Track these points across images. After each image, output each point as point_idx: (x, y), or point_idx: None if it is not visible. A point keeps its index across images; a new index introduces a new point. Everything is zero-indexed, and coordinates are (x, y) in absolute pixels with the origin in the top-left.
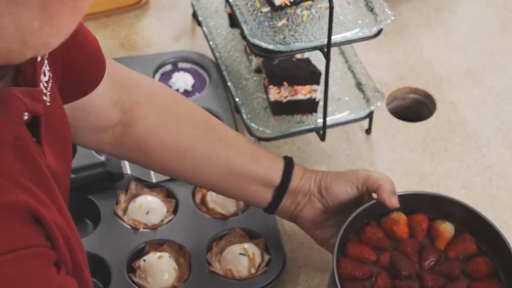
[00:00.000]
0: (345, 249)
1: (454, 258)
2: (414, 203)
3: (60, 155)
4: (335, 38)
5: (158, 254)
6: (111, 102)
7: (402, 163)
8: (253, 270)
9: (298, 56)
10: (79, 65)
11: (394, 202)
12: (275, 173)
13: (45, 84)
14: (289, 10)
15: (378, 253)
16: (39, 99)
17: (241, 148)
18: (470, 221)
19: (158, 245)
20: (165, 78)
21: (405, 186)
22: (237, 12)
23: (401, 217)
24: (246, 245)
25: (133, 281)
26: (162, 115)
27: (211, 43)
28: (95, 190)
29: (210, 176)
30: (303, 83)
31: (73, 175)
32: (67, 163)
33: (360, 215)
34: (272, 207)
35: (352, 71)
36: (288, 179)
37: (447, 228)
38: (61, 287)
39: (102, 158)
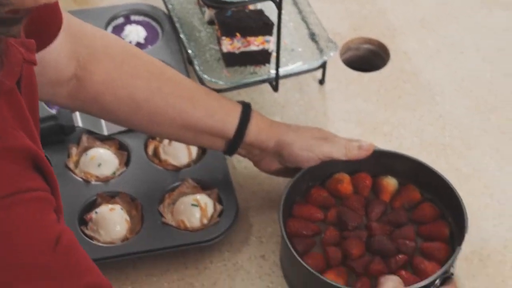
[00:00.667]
0: (292, 211)
1: (400, 208)
2: (359, 161)
3: (33, 108)
4: None
5: (110, 206)
6: (67, 55)
7: (356, 113)
8: (205, 221)
9: (251, 7)
10: (36, 18)
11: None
12: (230, 126)
13: None
14: None
15: (324, 211)
16: (33, 49)
17: (197, 100)
18: (416, 173)
19: (110, 197)
20: (117, 31)
21: (358, 136)
22: None
23: (344, 176)
24: (198, 196)
25: (85, 234)
26: (117, 68)
27: None
28: (46, 143)
29: (165, 128)
30: (256, 34)
31: None
32: (35, 115)
33: (305, 176)
34: (228, 154)
35: (305, 22)
36: (241, 133)
37: (390, 182)
38: (62, 235)
39: (53, 111)
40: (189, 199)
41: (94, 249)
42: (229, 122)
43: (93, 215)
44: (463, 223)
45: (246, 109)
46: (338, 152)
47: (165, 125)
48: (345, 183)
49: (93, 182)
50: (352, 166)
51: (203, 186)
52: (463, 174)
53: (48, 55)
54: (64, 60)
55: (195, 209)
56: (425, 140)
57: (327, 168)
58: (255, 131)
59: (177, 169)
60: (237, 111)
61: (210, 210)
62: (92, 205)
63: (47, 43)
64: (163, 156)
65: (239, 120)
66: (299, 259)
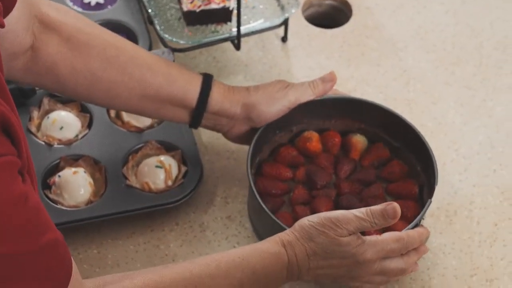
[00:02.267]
0: (261, 169)
1: (369, 166)
2: (329, 108)
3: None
4: None
5: (73, 169)
6: (23, 26)
7: (319, 70)
8: (170, 182)
9: None
10: None
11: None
12: (191, 95)
13: None
14: None
15: (293, 170)
16: (1, 13)
17: (155, 68)
18: (385, 123)
19: (73, 160)
20: None
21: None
22: None
23: (313, 134)
24: (162, 158)
25: (48, 198)
26: (72, 37)
27: None
28: None
29: (125, 99)
30: None
31: None
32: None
33: (272, 126)
34: (193, 126)
35: None
36: (204, 101)
37: (359, 140)
38: (25, 196)
39: None
40: (153, 161)
41: (58, 213)
42: (191, 90)
43: (56, 178)
44: (433, 174)
45: (207, 78)
46: (304, 94)
47: (124, 96)
48: (314, 141)
49: (56, 146)
50: (321, 115)
51: (167, 148)
52: (428, 129)
53: (6, 26)
54: (21, 31)
55: (159, 170)
56: (390, 96)
57: (295, 116)
58: (218, 99)
59: (140, 131)
60: (198, 79)
61: (174, 171)
62: (55, 169)
63: (4, 14)
64: (126, 117)
65: (201, 88)
66: (269, 212)
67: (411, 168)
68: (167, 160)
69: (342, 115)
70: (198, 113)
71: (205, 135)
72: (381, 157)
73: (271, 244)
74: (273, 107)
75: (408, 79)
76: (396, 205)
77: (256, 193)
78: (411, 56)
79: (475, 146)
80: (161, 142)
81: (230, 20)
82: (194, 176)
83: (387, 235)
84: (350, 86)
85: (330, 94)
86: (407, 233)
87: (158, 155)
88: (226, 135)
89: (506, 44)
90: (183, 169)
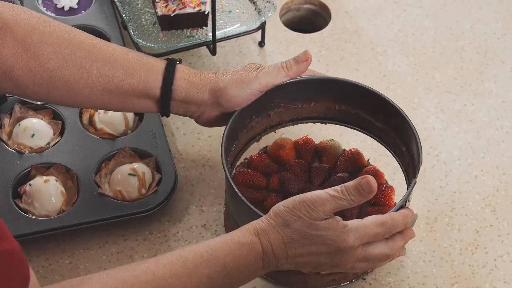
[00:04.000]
0: (235, 178)
1: (343, 172)
2: (308, 90)
3: None
4: None
5: (45, 178)
6: None
7: None
8: (143, 191)
9: None
10: None
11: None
12: (154, 85)
13: None
14: None
15: (267, 178)
16: None
17: (114, 61)
18: (368, 104)
19: (45, 168)
20: None
21: None
22: None
23: (286, 141)
24: (135, 165)
25: (19, 207)
26: (26, 38)
27: None
28: None
29: (86, 95)
30: None
31: None
32: None
33: (246, 111)
34: (164, 114)
35: None
36: (168, 90)
37: (334, 145)
38: None
39: None
40: (126, 168)
41: (29, 222)
42: (153, 80)
43: (27, 187)
44: (418, 153)
45: (170, 64)
46: (277, 77)
47: (85, 93)
48: (287, 148)
49: (27, 153)
50: (300, 97)
51: (141, 155)
52: None
53: None
54: None
55: (132, 178)
56: None
57: (272, 97)
58: (183, 86)
59: (113, 138)
60: (160, 67)
61: (148, 179)
62: (26, 177)
63: None
64: (98, 124)
65: (163, 76)
66: (246, 201)
67: (395, 150)
68: (141, 167)
69: (322, 96)
70: (164, 103)
71: (180, 143)
72: (356, 164)
73: (243, 234)
74: (243, 91)
75: (388, 84)
76: (370, 178)
77: (232, 183)
78: (390, 60)
79: (455, 152)
80: (135, 149)
81: (206, 24)
82: (168, 184)
83: (370, 219)
84: None
85: (306, 74)
86: (391, 216)
87: (131, 162)
88: (197, 120)
89: (487, 48)
90: (157, 177)
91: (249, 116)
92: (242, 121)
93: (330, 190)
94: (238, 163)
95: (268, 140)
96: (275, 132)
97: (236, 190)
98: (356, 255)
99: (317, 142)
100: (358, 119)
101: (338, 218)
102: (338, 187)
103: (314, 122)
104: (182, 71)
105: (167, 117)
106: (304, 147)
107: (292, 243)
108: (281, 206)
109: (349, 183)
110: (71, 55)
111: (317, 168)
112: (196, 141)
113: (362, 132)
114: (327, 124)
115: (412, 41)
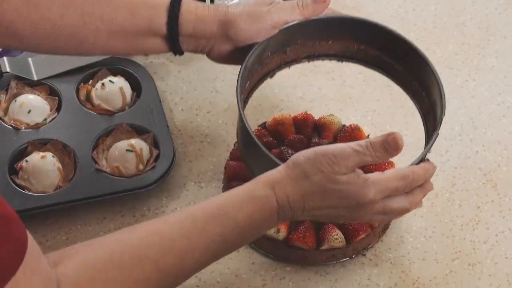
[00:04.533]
0: (233, 154)
1: None
2: (326, 28)
3: None
4: None
5: (41, 154)
6: None
7: None
8: (141, 166)
9: None
10: None
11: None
12: (159, 21)
13: None
14: None
15: None
16: None
17: (115, 1)
18: (388, 46)
19: (41, 144)
20: None
21: (299, 75)
22: None
23: (285, 117)
24: (133, 141)
25: (15, 183)
26: None
27: None
28: None
29: (92, 42)
30: None
31: None
32: None
33: (263, 46)
34: (177, 53)
35: None
36: (174, 26)
37: (333, 121)
38: None
39: None
40: (123, 144)
41: (26, 198)
42: (157, 16)
43: (23, 163)
44: (440, 102)
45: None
46: (292, 14)
47: (91, 39)
48: (286, 124)
49: (23, 130)
50: (317, 36)
51: (138, 131)
52: (408, 111)
53: None
54: None
55: (130, 154)
56: (369, 76)
57: (294, 31)
58: (190, 19)
59: (110, 114)
60: (164, 2)
61: (146, 155)
62: (23, 154)
63: None
64: (95, 100)
65: (168, 12)
66: (262, 146)
67: (414, 94)
68: (138, 143)
69: (341, 36)
70: (172, 39)
71: (178, 118)
72: (355, 139)
73: (257, 187)
74: (253, 25)
75: None
76: (398, 134)
77: (246, 122)
78: None
79: (456, 127)
80: (132, 125)
81: None
82: (167, 160)
83: (390, 172)
84: (328, 68)
85: (325, 14)
86: (412, 170)
87: (129, 138)
88: (209, 55)
89: (489, 23)
90: (155, 152)
91: (266, 53)
92: (258, 58)
93: (353, 145)
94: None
95: (267, 115)
96: (289, 68)
97: (252, 135)
98: (375, 209)
99: (316, 117)
100: (377, 60)
101: (359, 171)
102: (362, 142)
103: (330, 60)
104: (188, 5)
105: (180, 55)
106: (304, 123)
107: (311, 196)
108: (301, 156)
109: (375, 139)
110: (70, 1)
111: (317, 144)
112: (195, 117)
113: (382, 73)
114: (344, 62)
115: (413, 17)
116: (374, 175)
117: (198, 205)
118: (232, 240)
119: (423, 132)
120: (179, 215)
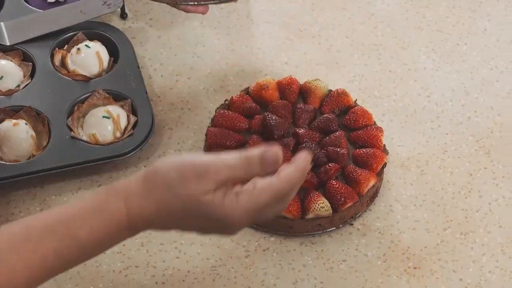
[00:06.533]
0: (215, 120)
1: (330, 113)
2: None
3: None
4: None
5: (14, 121)
6: None
7: (281, 15)
8: (118, 134)
9: None
10: None
11: None
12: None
13: None
14: None
15: (249, 120)
16: None
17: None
18: None
19: (14, 112)
20: None
21: (283, 39)
22: None
23: (269, 81)
24: (110, 108)
25: None
26: None
27: None
28: None
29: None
30: None
31: None
32: None
33: None
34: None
35: None
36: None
37: (319, 86)
38: None
39: None
40: (100, 111)
41: None
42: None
43: None
44: None
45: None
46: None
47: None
48: (270, 89)
49: None
50: None
51: (116, 97)
52: (398, 75)
53: None
54: None
55: (107, 121)
56: (357, 41)
57: None
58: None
59: (86, 80)
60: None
61: (123, 122)
62: None
63: None
64: (71, 66)
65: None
66: None
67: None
68: (115, 110)
69: None
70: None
71: (157, 85)
72: (343, 104)
73: (109, 198)
74: None
75: (376, 23)
76: (278, 149)
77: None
78: None
79: (447, 92)
80: (109, 91)
81: None
82: (145, 127)
83: (260, 191)
84: (313, 31)
85: None
86: (288, 180)
87: (105, 105)
88: None
89: None
90: (133, 119)
91: None
92: None
93: (228, 158)
94: (218, 105)
95: (250, 80)
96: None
97: None
98: (245, 223)
99: (301, 82)
100: None
101: (229, 186)
102: (238, 155)
103: None
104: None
105: None
106: (288, 88)
107: (169, 211)
108: (166, 164)
109: (253, 153)
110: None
111: (301, 109)
112: (175, 84)
113: None
114: None
115: None
116: (245, 192)
117: (40, 214)
118: (70, 257)
119: (411, 98)
120: (15, 227)
